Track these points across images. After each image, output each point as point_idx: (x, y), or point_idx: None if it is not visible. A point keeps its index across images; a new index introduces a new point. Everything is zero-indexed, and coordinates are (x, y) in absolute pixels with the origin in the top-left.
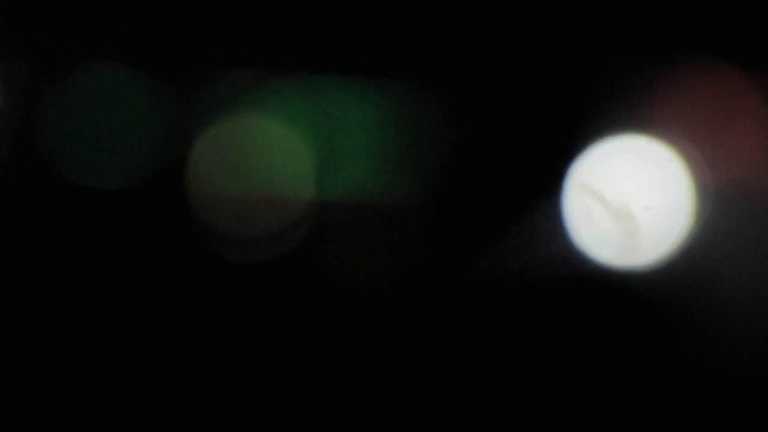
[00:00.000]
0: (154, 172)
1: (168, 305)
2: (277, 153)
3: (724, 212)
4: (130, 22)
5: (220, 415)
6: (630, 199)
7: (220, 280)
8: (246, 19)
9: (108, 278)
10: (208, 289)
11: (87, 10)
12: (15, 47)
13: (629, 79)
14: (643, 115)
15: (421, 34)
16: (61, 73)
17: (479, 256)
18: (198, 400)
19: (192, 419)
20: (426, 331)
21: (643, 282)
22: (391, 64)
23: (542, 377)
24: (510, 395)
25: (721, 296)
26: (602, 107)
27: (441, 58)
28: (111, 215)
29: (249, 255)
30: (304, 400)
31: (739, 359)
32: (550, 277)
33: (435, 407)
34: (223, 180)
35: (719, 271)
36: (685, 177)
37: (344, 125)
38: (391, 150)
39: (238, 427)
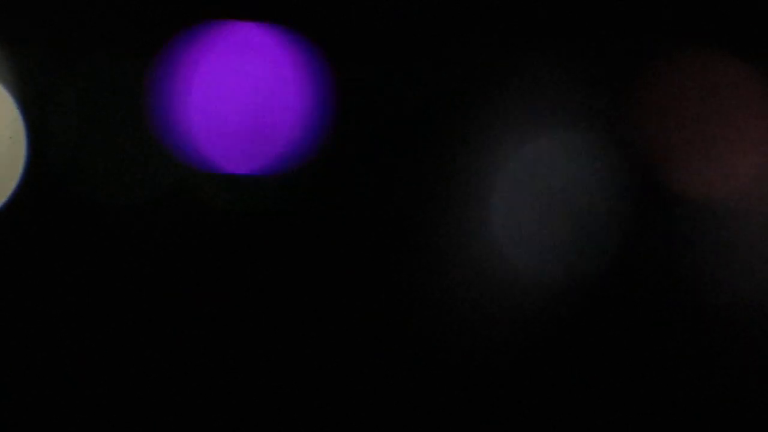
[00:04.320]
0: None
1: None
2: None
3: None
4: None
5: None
6: (568, 199)
7: (219, 291)
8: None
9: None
10: (206, 301)
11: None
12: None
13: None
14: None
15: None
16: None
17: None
18: (193, 413)
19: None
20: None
21: (581, 291)
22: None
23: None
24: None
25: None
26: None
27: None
28: (113, 227)
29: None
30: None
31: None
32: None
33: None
34: None
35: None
36: (625, 175)
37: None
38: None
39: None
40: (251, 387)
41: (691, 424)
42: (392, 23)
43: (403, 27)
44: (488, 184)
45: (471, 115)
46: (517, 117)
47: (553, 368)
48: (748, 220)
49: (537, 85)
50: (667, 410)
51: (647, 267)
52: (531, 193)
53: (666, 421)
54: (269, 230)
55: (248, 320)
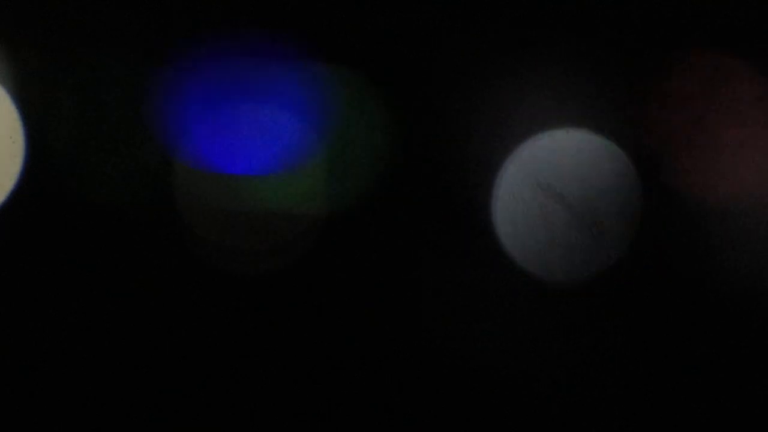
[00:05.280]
0: (151, 183)
1: (166, 318)
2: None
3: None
4: (121, 25)
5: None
6: (584, 199)
7: (219, 292)
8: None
9: (107, 290)
10: (206, 301)
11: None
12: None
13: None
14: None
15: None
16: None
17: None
18: (193, 411)
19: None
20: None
21: (584, 291)
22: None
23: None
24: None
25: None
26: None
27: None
28: (110, 227)
29: (246, 267)
30: (299, 409)
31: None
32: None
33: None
34: (219, 192)
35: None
36: (629, 175)
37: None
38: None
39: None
40: (251, 389)
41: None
42: (392, 21)
43: (402, 26)
44: (492, 183)
45: (473, 113)
46: (520, 116)
47: (556, 369)
48: (749, 220)
49: (541, 84)
50: (670, 410)
51: (650, 266)
52: (534, 192)
53: (669, 421)
54: (269, 230)
55: (248, 321)
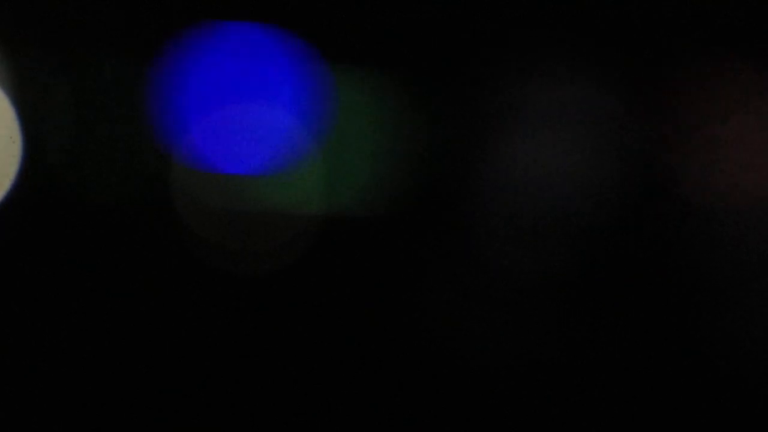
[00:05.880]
0: (151, 183)
1: (165, 318)
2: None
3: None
4: (122, 25)
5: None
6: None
7: (219, 292)
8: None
9: (106, 289)
10: (206, 301)
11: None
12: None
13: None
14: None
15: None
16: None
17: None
18: (193, 411)
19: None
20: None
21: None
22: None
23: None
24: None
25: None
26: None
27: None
28: (109, 227)
29: (246, 267)
30: (299, 412)
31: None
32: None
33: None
34: (220, 192)
35: None
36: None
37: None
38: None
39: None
40: (251, 389)
41: (691, 425)
42: (391, 21)
43: (402, 25)
44: (488, 182)
45: (470, 113)
46: (517, 117)
47: (555, 369)
48: (748, 220)
49: (541, 84)
50: (667, 410)
51: (647, 267)
52: (531, 190)
53: (666, 421)
54: (268, 230)
55: (248, 321)
